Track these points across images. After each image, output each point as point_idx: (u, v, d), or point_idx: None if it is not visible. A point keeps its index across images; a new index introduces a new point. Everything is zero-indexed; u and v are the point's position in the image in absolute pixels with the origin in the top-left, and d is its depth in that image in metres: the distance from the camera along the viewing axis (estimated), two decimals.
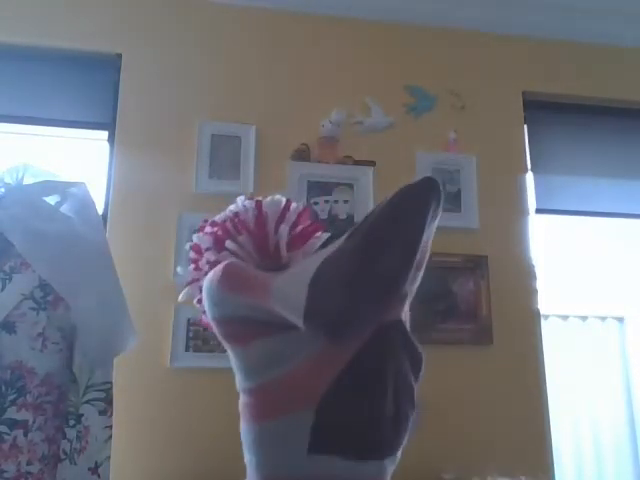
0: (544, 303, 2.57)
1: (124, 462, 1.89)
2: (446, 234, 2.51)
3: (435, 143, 2.60)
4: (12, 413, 1.33)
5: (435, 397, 2.30)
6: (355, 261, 0.72)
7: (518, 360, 2.43)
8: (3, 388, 1.34)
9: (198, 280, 0.90)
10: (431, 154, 2.58)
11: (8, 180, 1.51)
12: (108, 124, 2.46)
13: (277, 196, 0.95)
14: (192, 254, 0.93)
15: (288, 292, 0.74)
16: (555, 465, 2.39)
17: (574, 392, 2.92)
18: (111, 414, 1.47)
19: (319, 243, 0.92)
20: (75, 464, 1.38)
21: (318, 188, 2.46)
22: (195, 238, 0.93)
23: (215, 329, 0.84)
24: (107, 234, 2.04)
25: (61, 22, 2.49)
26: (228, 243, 0.87)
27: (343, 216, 2.45)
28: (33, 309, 1.40)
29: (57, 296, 1.43)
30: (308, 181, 2.46)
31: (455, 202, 2.56)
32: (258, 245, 0.87)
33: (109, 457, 1.44)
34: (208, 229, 0.91)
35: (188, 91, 2.50)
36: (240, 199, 0.96)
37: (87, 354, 1.44)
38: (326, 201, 2.45)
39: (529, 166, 2.71)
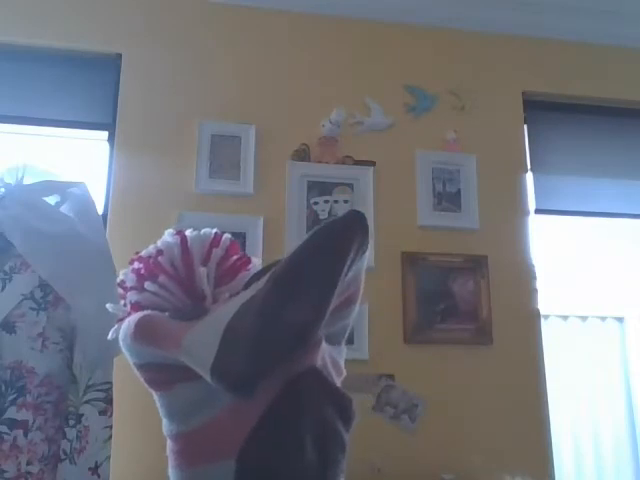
0: (544, 303, 2.57)
1: (124, 462, 1.89)
2: (446, 234, 2.52)
3: (435, 143, 2.60)
4: (12, 413, 1.33)
5: (435, 397, 2.30)
6: (264, 313, 0.72)
7: (518, 360, 2.43)
8: (3, 388, 1.34)
9: (124, 320, 0.86)
10: (431, 154, 2.58)
11: (8, 180, 1.51)
12: (108, 124, 2.46)
13: (204, 230, 0.90)
14: (120, 290, 0.89)
15: (197, 349, 0.73)
16: (555, 465, 2.39)
17: (574, 392, 2.91)
18: (111, 414, 1.47)
19: (249, 276, 0.89)
20: (75, 464, 1.38)
21: (318, 188, 2.46)
22: (121, 274, 0.89)
23: (137, 373, 0.83)
24: (107, 234, 2.04)
25: (61, 22, 2.49)
26: (147, 284, 0.83)
27: None
28: (33, 309, 1.40)
29: (57, 296, 1.43)
30: (308, 181, 2.46)
31: (455, 202, 2.55)
32: (183, 286, 0.83)
33: (109, 457, 1.44)
34: (135, 264, 0.87)
35: (188, 91, 2.50)
36: (168, 232, 0.90)
37: (87, 354, 1.44)
38: (326, 201, 2.45)
39: (529, 166, 2.71)
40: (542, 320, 2.53)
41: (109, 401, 1.47)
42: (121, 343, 0.81)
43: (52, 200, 1.53)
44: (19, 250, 1.41)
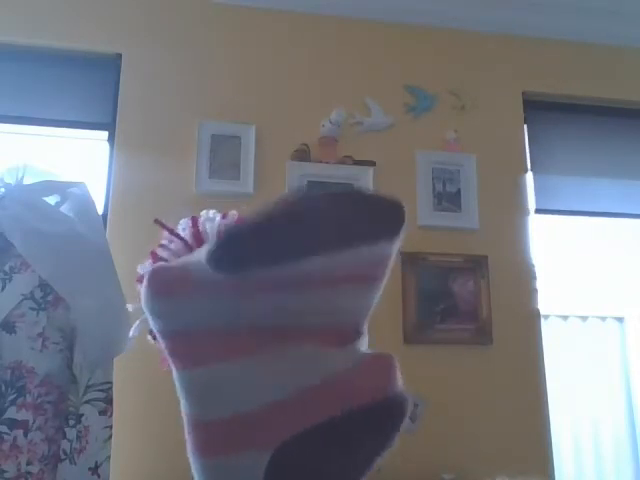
0: (544, 303, 2.57)
1: (124, 462, 1.89)
2: (446, 234, 2.52)
3: (435, 143, 2.60)
4: (12, 413, 1.33)
5: (435, 397, 2.30)
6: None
7: (518, 360, 2.43)
8: (3, 388, 1.34)
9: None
10: (431, 154, 2.58)
11: (8, 180, 1.50)
12: (108, 124, 2.46)
13: (212, 211, 0.86)
14: (138, 285, 0.81)
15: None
16: (555, 465, 2.39)
17: (574, 392, 2.92)
18: (111, 414, 1.46)
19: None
20: (75, 464, 1.38)
21: (318, 188, 2.46)
22: (139, 268, 0.84)
23: (161, 344, 0.74)
24: (107, 234, 2.04)
25: (61, 22, 2.49)
26: (159, 250, 0.78)
27: None
28: (33, 309, 1.40)
29: (57, 296, 1.43)
30: (308, 181, 2.46)
31: (455, 202, 2.55)
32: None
33: (109, 457, 1.44)
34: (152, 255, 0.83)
35: (188, 91, 2.51)
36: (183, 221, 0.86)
37: (87, 354, 1.44)
38: None
39: (529, 166, 2.71)
40: (542, 320, 2.53)
41: (109, 401, 1.47)
42: (143, 306, 0.72)
43: (52, 200, 1.53)
44: (19, 250, 1.41)
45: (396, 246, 0.72)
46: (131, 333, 0.84)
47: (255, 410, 0.65)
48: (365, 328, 0.70)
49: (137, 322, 0.83)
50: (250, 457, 0.65)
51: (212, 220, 0.84)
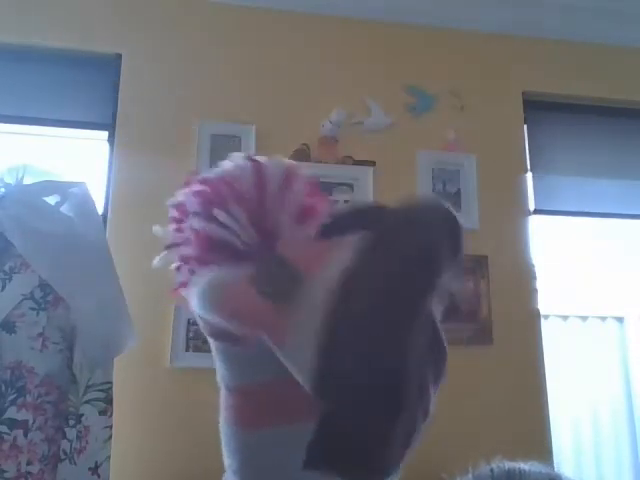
0: (544, 303, 2.57)
1: (124, 462, 1.89)
2: None
3: (435, 143, 2.60)
4: (12, 413, 1.33)
5: (435, 397, 2.30)
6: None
7: (518, 360, 2.43)
8: (3, 388, 1.34)
9: (179, 245, 0.74)
10: (431, 154, 2.58)
11: (8, 180, 1.51)
12: (108, 124, 2.46)
13: (281, 158, 0.78)
14: (175, 212, 0.75)
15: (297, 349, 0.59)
16: (555, 464, 2.39)
17: (574, 392, 2.92)
18: (111, 414, 1.47)
19: (325, 218, 0.73)
20: (75, 464, 1.38)
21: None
22: (181, 195, 0.75)
23: (200, 323, 0.70)
24: (107, 234, 2.04)
25: (61, 22, 2.49)
26: (218, 212, 0.69)
27: None
28: (33, 309, 1.40)
29: (57, 296, 1.43)
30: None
31: (455, 202, 2.55)
32: (255, 219, 0.70)
33: (109, 457, 1.44)
34: (197, 187, 0.73)
35: (188, 91, 2.50)
36: (237, 156, 0.78)
37: (87, 354, 1.44)
38: None
39: (529, 166, 2.71)
40: (542, 320, 2.53)
41: (109, 401, 1.47)
42: (194, 303, 0.67)
43: (52, 200, 1.53)
44: (19, 250, 1.41)
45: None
46: (155, 261, 0.78)
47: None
48: None
49: (163, 253, 0.77)
50: (295, 429, 0.61)
51: (280, 167, 0.75)
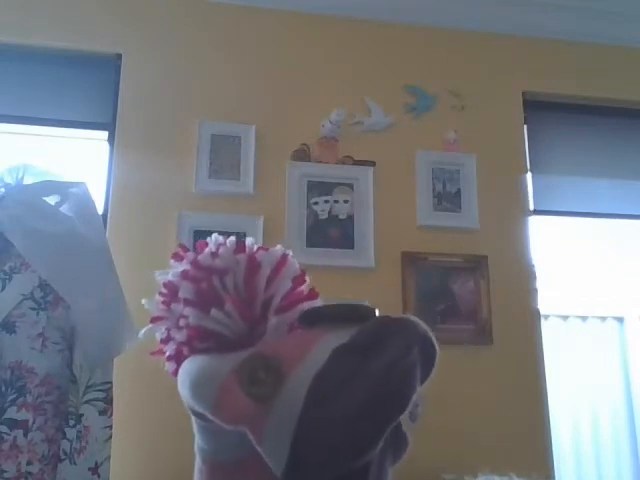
0: (544, 303, 2.57)
1: (124, 462, 1.90)
2: (446, 234, 2.52)
3: (435, 143, 2.60)
4: (12, 413, 1.33)
5: (435, 397, 2.30)
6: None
7: (518, 360, 2.43)
8: (3, 388, 1.34)
9: (164, 320, 0.75)
10: (431, 154, 2.58)
11: (8, 180, 1.51)
12: (108, 124, 2.46)
13: (278, 247, 0.78)
14: (163, 289, 0.76)
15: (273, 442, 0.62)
16: (555, 465, 2.39)
17: (574, 392, 2.92)
18: (111, 414, 1.47)
19: (302, 310, 0.75)
20: (75, 464, 1.38)
21: (318, 188, 2.46)
22: (172, 275, 0.75)
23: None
24: (107, 234, 2.04)
25: (61, 22, 2.49)
26: (214, 312, 0.71)
27: (343, 216, 2.45)
28: (33, 309, 1.40)
29: (57, 296, 1.43)
30: (308, 181, 2.46)
31: (455, 202, 2.55)
32: (245, 311, 0.72)
33: (109, 457, 1.44)
34: (190, 270, 0.74)
35: (188, 91, 2.51)
36: (230, 241, 0.76)
37: (87, 354, 1.44)
38: (326, 201, 2.45)
39: (529, 166, 2.71)
40: (542, 320, 2.53)
41: (109, 401, 1.47)
42: (181, 387, 0.70)
43: (52, 200, 1.53)
44: (19, 250, 1.41)
45: None
46: (141, 334, 0.79)
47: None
48: None
49: (148, 326, 0.78)
50: None
51: (271, 261, 0.75)
